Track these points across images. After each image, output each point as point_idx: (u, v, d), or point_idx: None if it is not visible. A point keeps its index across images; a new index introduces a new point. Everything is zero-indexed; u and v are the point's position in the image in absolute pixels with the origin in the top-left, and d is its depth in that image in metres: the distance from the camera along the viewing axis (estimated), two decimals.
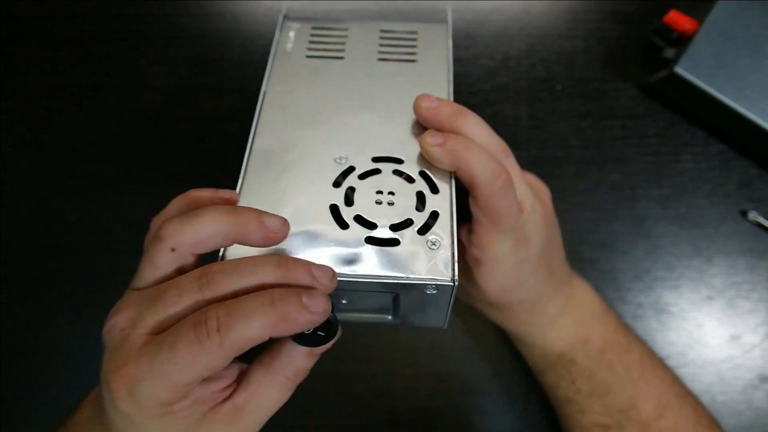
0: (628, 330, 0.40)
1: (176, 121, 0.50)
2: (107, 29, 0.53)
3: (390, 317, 0.32)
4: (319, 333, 0.27)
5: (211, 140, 0.49)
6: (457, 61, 0.51)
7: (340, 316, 0.32)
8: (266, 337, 0.24)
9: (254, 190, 0.31)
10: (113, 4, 0.53)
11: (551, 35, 0.52)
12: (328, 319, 0.26)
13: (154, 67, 0.52)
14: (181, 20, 0.53)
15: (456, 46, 0.52)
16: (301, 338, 0.27)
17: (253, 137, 0.33)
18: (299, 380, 0.29)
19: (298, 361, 0.28)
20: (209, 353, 0.23)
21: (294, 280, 0.25)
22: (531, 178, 0.38)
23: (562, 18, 0.53)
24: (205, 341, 0.23)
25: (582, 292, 0.40)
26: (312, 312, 0.24)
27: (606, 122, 0.50)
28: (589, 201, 0.47)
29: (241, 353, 0.24)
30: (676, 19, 0.47)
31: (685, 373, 0.42)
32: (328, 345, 0.28)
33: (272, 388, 0.28)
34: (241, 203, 0.30)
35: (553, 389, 0.39)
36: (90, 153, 0.49)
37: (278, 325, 0.24)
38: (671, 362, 0.41)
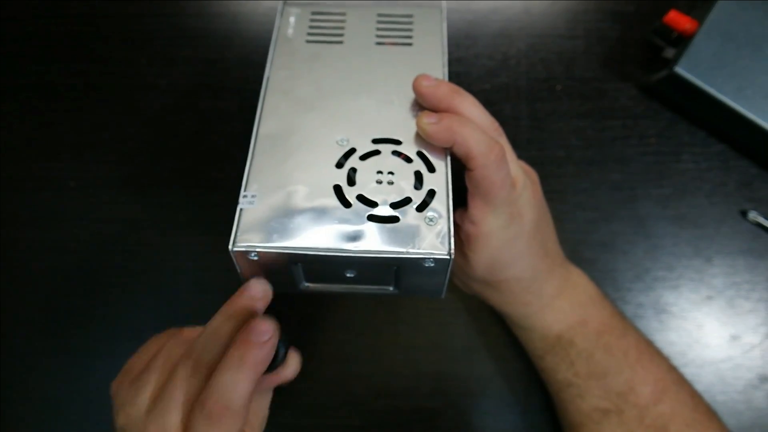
0: (624, 316, 0.40)
1: (176, 120, 0.50)
2: (107, 29, 0.53)
3: (391, 288, 0.34)
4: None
5: (212, 140, 0.49)
6: (457, 60, 0.51)
7: (348, 289, 0.34)
8: (253, 387, 0.27)
9: (262, 172, 0.32)
10: (113, 4, 0.53)
11: (551, 35, 0.52)
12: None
13: (154, 67, 0.52)
14: (182, 20, 0.53)
15: (456, 46, 0.52)
16: None
17: (259, 122, 0.35)
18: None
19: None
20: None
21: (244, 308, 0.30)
22: (521, 163, 0.39)
23: (562, 18, 0.53)
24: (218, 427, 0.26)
25: (577, 277, 0.40)
26: (264, 341, 0.27)
27: (606, 122, 0.50)
28: (589, 201, 0.47)
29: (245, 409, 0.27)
30: (676, 19, 0.47)
31: (685, 373, 0.42)
32: (281, 375, 0.31)
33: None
34: (250, 185, 0.32)
35: (552, 373, 0.39)
36: (90, 153, 0.49)
37: (254, 372, 0.27)
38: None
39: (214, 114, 0.50)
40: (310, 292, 0.35)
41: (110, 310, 0.45)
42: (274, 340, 0.28)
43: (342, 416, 0.43)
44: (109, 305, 0.45)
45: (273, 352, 0.28)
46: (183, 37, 0.52)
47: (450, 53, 0.51)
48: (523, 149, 0.49)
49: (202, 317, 0.45)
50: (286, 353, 0.31)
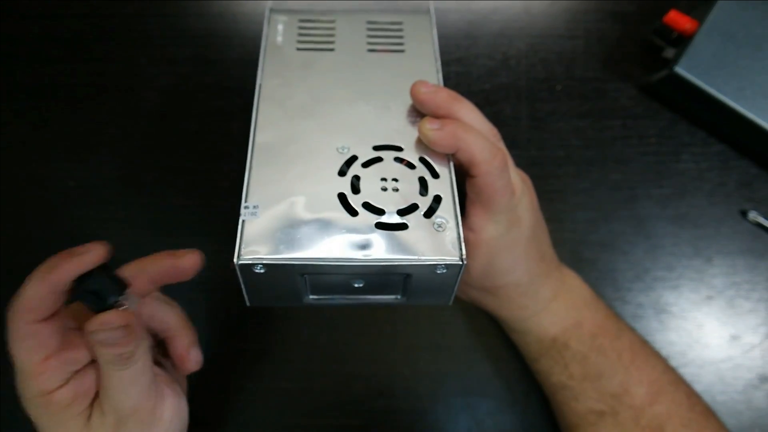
0: (618, 317, 0.40)
1: (177, 120, 0.50)
2: (107, 29, 0.53)
3: (399, 297, 0.34)
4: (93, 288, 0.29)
5: (212, 140, 0.49)
6: (456, 60, 0.51)
7: (354, 300, 0.33)
8: (45, 290, 0.28)
9: (262, 182, 0.32)
10: (113, 4, 0.53)
11: (551, 35, 0.52)
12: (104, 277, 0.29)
13: (154, 67, 0.52)
14: (182, 20, 0.53)
15: (456, 46, 0.52)
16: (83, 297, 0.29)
17: (255, 131, 0.34)
18: (123, 359, 0.29)
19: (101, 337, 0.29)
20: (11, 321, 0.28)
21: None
22: (516, 169, 0.39)
23: (562, 18, 0.53)
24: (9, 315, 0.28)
25: (571, 279, 0.40)
26: (72, 255, 0.28)
27: (606, 122, 0.50)
28: (589, 201, 0.47)
29: (37, 309, 0.28)
30: (676, 19, 0.47)
31: (685, 373, 0.42)
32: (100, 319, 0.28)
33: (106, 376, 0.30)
34: (250, 197, 0.31)
35: (547, 376, 0.39)
36: (90, 153, 0.49)
37: (45, 274, 0.28)
38: (671, 362, 0.41)
39: (214, 114, 0.50)
40: (314, 306, 0.34)
41: None
42: (84, 259, 0.28)
43: (342, 416, 0.43)
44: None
45: (74, 269, 0.28)
46: (183, 37, 0.52)
47: (450, 53, 0.51)
48: (523, 149, 0.49)
49: (202, 317, 0.46)
50: (110, 298, 0.29)
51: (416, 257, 0.29)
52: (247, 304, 0.32)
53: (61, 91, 0.51)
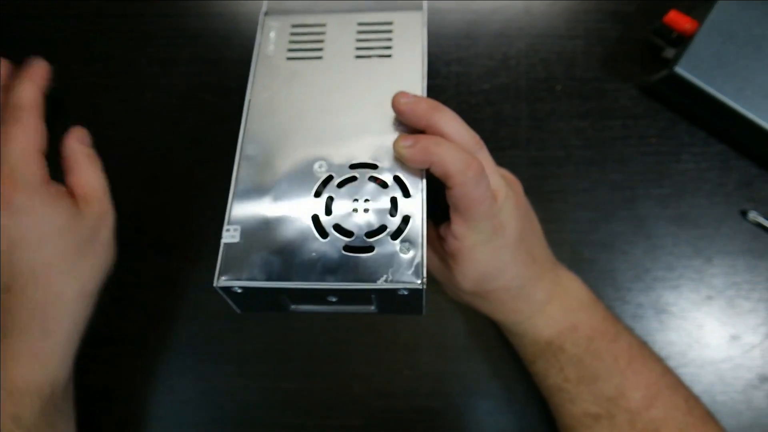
0: (617, 320, 0.40)
1: (176, 120, 0.50)
2: (107, 29, 0.53)
3: (373, 308, 0.35)
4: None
5: (211, 139, 0.49)
6: (456, 61, 0.51)
7: (334, 309, 0.35)
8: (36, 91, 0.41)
9: (244, 204, 0.33)
10: (113, 4, 0.53)
11: (551, 35, 0.52)
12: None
13: (154, 67, 0.52)
14: (182, 20, 0.53)
15: (456, 46, 0.52)
16: None
17: (241, 148, 0.35)
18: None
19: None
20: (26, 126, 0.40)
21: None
22: (503, 171, 0.39)
23: (562, 18, 0.53)
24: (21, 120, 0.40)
25: (568, 281, 0.40)
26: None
27: (606, 122, 0.50)
28: (589, 201, 0.47)
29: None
30: (676, 19, 0.47)
31: (685, 373, 0.42)
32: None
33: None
34: (233, 219, 0.33)
35: (543, 378, 0.39)
36: None
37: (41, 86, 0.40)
38: (671, 362, 0.41)
39: (214, 114, 0.50)
40: (299, 313, 0.35)
41: (110, 309, 0.45)
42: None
43: (342, 416, 0.43)
44: (109, 304, 0.45)
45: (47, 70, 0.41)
46: (183, 37, 0.52)
47: (450, 53, 0.51)
48: (523, 149, 0.49)
49: (202, 315, 0.46)
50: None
51: (378, 282, 0.30)
52: (238, 312, 0.34)
53: (61, 91, 0.51)
